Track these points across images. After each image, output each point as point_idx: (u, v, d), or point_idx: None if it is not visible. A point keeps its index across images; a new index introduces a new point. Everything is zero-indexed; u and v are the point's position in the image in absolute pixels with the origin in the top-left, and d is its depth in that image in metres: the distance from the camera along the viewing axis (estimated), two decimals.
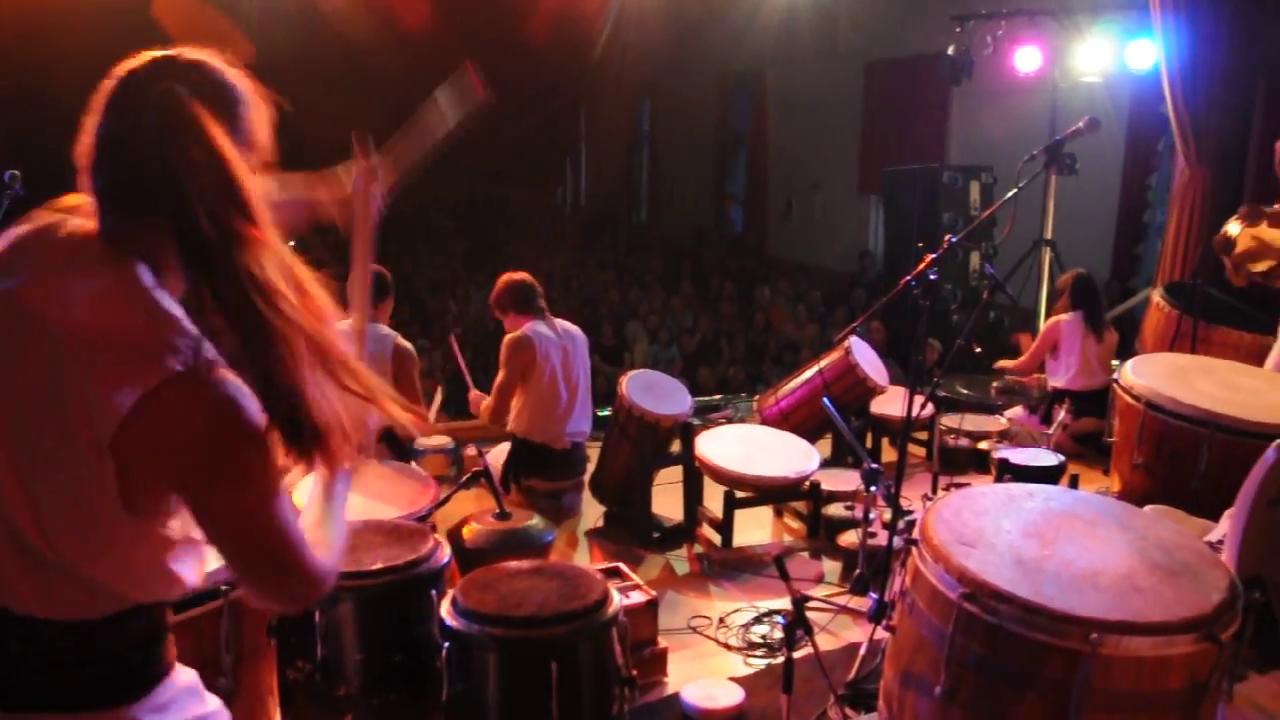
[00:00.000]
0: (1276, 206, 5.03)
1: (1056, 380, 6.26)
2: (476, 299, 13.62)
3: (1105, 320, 6.36)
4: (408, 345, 4.75)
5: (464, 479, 3.83)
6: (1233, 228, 5.22)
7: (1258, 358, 5.13)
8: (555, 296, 13.98)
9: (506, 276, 5.16)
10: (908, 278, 3.44)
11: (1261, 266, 5.04)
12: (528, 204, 24.37)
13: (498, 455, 5.28)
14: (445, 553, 2.97)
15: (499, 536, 3.95)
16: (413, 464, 4.82)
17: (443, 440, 5.97)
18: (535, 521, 4.13)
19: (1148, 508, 3.87)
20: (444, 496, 3.87)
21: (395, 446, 4.80)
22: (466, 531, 4.00)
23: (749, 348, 11.86)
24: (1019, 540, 2.51)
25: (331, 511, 1.67)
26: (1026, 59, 8.25)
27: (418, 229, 20.82)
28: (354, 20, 14.90)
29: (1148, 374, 4.46)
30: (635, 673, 2.81)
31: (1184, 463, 4.20)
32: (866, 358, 5.71)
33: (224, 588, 2.63)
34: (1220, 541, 3.35)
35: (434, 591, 2.86)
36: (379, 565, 2.82)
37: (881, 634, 3.18)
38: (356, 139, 2.14)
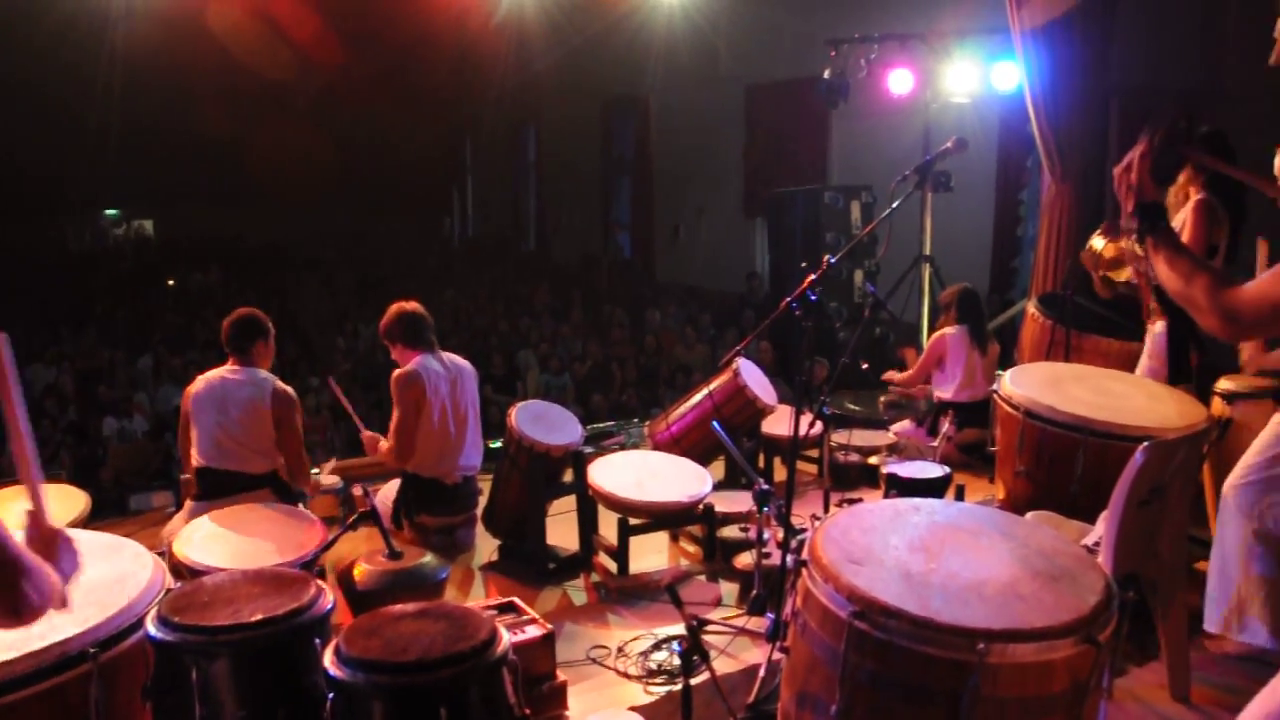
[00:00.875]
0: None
1: (942, 392, 6.40)
2: (366, 334, 13.41)
3: (988, 333, 6.53)
4: (287, 389, 4.62)
5: (350, 520, 3.74)
6: (1097, 242, 5.41)
7: (1126, 363, 5.31)
8: (445, 328, 13.85)
9: (397, 306, 5.06)
10: (788, 299, 3.48)
11: (1124, 275, 5.23)
12: (416, 235, 24.17)
13: (388, 492, 5.18)
14: (329, 599, 2.87)
15: (391, 577, 3.88)
16: (300, 505, 4.70)
17: (332, 480, 5.84)
18: (428, 559, 4.06)
19: (1029, 514, 3.96)
20: (331, 539, 3.77)
21: (281, 489, 4.68)
22: (357, 573, 3.91)
23: (641, 372, 11.90)
24: (906, 555, 2.54)
25: None
26: (899, 81, 8.49)
27: (302, 264, 20.46)
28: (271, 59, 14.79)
29: (1025, 383, 4.59)
30: (528, 712, 2.76)
31: (1062, 468, 4.32)
32: (755, 379, 5.75)
33: (93, 650, 2.51)
34: (1098, 543, 3.45)
35: (318, 640, 2.75)
36: (258, 617, 2.70)
37: (780, 655, 3.19)
38: None
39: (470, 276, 18.81)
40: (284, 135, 20.04)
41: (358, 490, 5.33)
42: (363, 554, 4.04)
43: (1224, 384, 4.82)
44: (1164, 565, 3.64)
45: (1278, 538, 3.64)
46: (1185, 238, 4.68)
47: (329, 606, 2.85)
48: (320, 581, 2.98)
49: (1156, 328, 4.99)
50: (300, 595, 2.82)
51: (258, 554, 3.74)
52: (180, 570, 3.67)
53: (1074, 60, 7.10)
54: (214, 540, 3.87)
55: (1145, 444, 3.23)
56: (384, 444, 5.00)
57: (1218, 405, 4.73)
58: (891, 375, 6.76)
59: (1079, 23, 7.10)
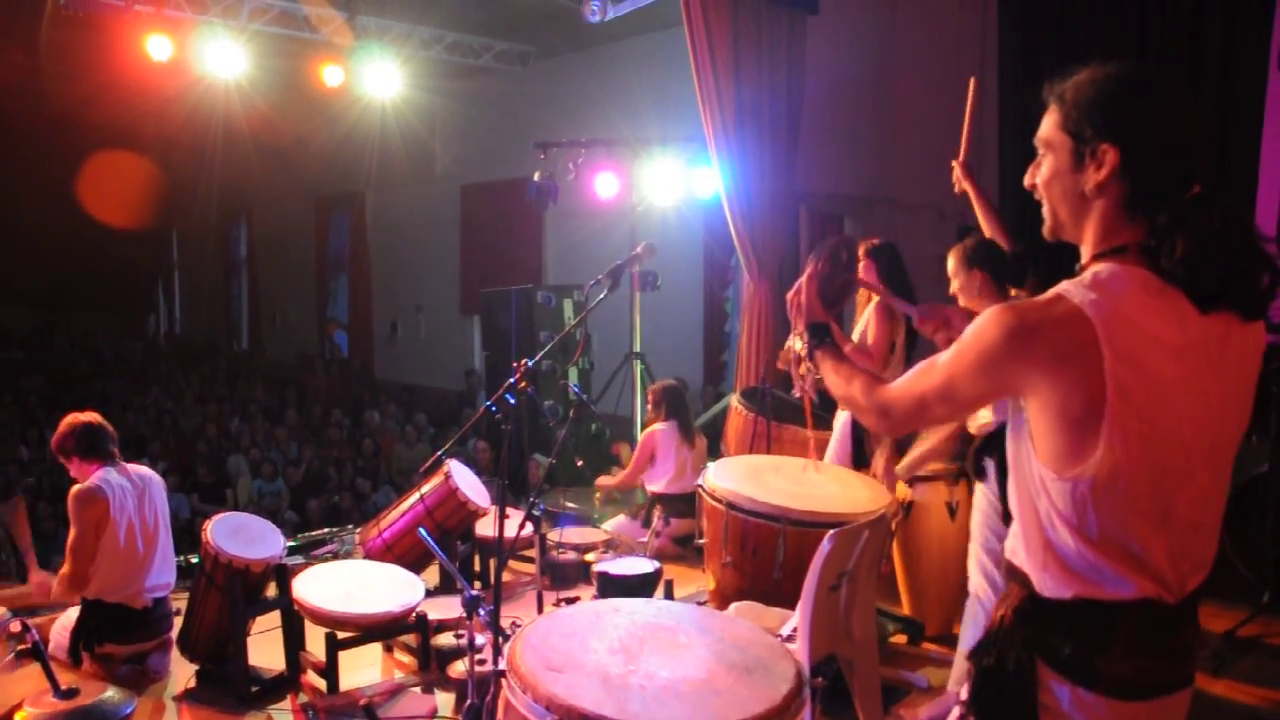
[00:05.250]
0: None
1: (654, 486, 6.54)
2: None
3: (694, 427, 6.77)
4: None
5: (5, 660, 3.38)
6: (796, 343, 5.74)
7: (822, 451, 5.63)
8: (148, 433, 12.96)
9: (71, 418, 4.70)
10: (488, 403, 3.48)
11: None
12: (114, 334, 22.60)
13: (67, 620, 4.73)
14: None
15: (61, 719, 3.52)
16: None
17: None
18: (109, 695, 3.73)
19: (733, 605, 4.10)
20: None
21: None
22: (19, 719, 3.53)
23: (359, 475, 11.54)
24: (605, 658, 2.55)
25: None
26: (605, 185, 8.76)
27: None
28: None
29: (727, 476, 4.76)
30: None
31: (765, 557, 4.49)
32: (467, 480, 5.68)
33: None
34: (796, 630, 3.59)
35: None
36: None
37: None
38: None
39: (177, 377, 17.76)
40: None
41: (16, 625, 4.82)
42: (29, 695, 3.65)
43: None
44: (857, 644, 3.84)
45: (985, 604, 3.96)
46: (870, 337, 5.06)
47: None
48: None
49: (841, 417, 5.33)
50: None
51: None
52: None
53: (763, 167, 7.62)
54: None
55: (831, 532, 3.42)
56: (57, 575, 4.58)
57: (901, 489, 5.10)
58: (604, 481, 6.85)
59: (767, 133, 7.64)
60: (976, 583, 4.02)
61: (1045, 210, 1.93)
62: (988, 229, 4.24)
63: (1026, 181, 1.95)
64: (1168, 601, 1.77)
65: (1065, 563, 1.78)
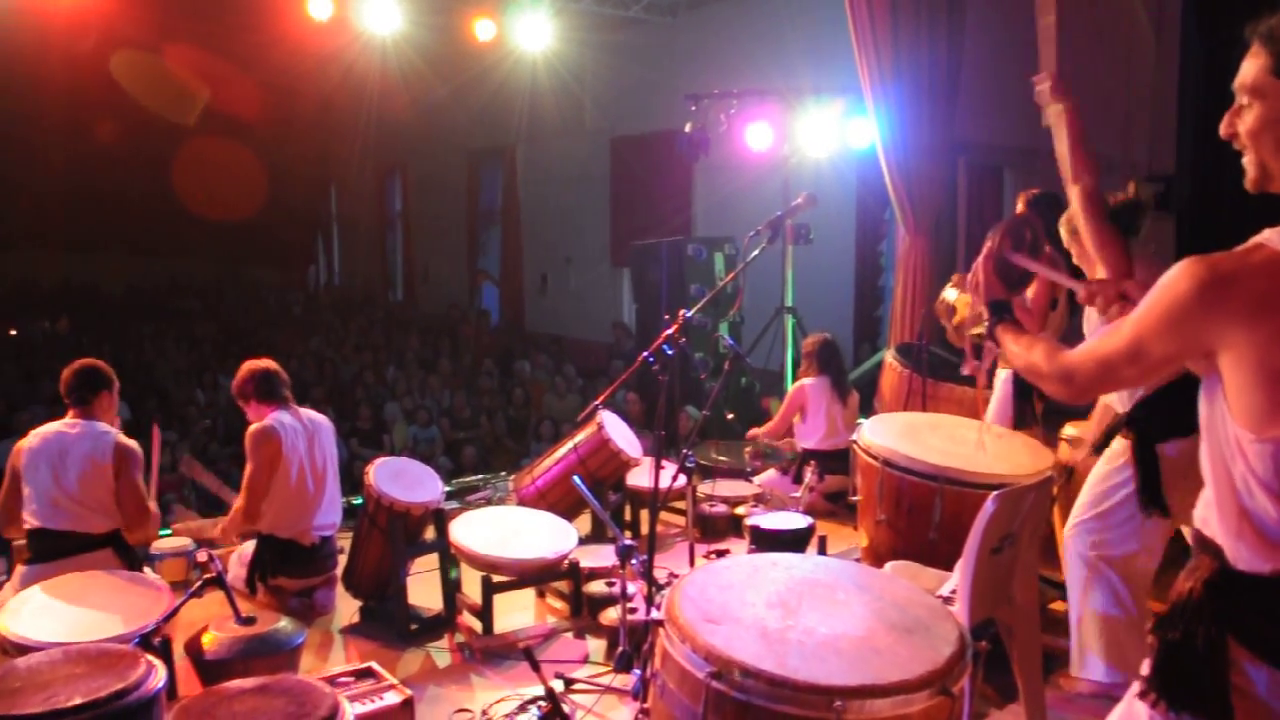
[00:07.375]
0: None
1: (805, 442, 6.47)
2: (227, 387, 12.93)
3: (847, 382, 6.65)
4: (130, 443, 4.41)
5: (194, 587, 3.56)
6: (950, 294, 5.57)
7: (980, 410, 5.47)
8: (310, 379, 13.50)
9: (249, 364, 4.94)
10: (644, 354, 3.48)
11: (979, 329, 5.39)
12: (279, 285, 23.59)
13: (243, 554, 4.98)
14: (160, 677, 2.69)
15: (242, 644, 3.72)
16: (147, 570, 4.47)
17: (182, 542, 5.58)
18: (283, 624, 3.91)
19: (889, 564, 4.02)
20: (173, 608, 3.58)
21: (123, 551, 4.43)
22: (206, 641, 3.74)
23: (510, 424, 11.77)
24: (763, 612, 2.53)
25: None
26: (758, 136, 8.62)
27: (161, 314, 19.75)
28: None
29: (883, 433, 4.67)
30: None
31: (921, 516, 4.39)
32: (619, 431, 5.72)
33: None
34: (954, 592, 3.50)
35: None
36: (76, 701, 2.50)
37: (642, 717, 3.14)
38: None
39: (337, 327, 18.44)
40: (142, 181, 19.40)
41: (202, 555, 5.10)
42: (213, 620, 3.86)
43: (1069, 430, 5.01)
44: (1017, 609, 3.72)
45: (1108, 574, 3.77)
46: (1031, 291, 4.86)
47: (160, 685, 2.66)
48: (151, 657, 2.79)
49: (1002, 375, 5.16)
50: (126, 674, 2.62)
51: (96, 626, 3.53)
52: (6, 648, 3.43)
53: (921, 117, 7.38)
54: (45, 613, 3.63)
55: (995, 494, 3.30)
56: (236, 503, 4.83)
57: (1064, 450, 4.91)
58: (755, 432, 6.82)
59: (925, 83, 7.38)
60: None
61: (1249, 161, 1.77)
62: (1069, 160, 3.65)
63: (1223, 131, 1.79)
64: None
65: (1264, 533, 1.65)
